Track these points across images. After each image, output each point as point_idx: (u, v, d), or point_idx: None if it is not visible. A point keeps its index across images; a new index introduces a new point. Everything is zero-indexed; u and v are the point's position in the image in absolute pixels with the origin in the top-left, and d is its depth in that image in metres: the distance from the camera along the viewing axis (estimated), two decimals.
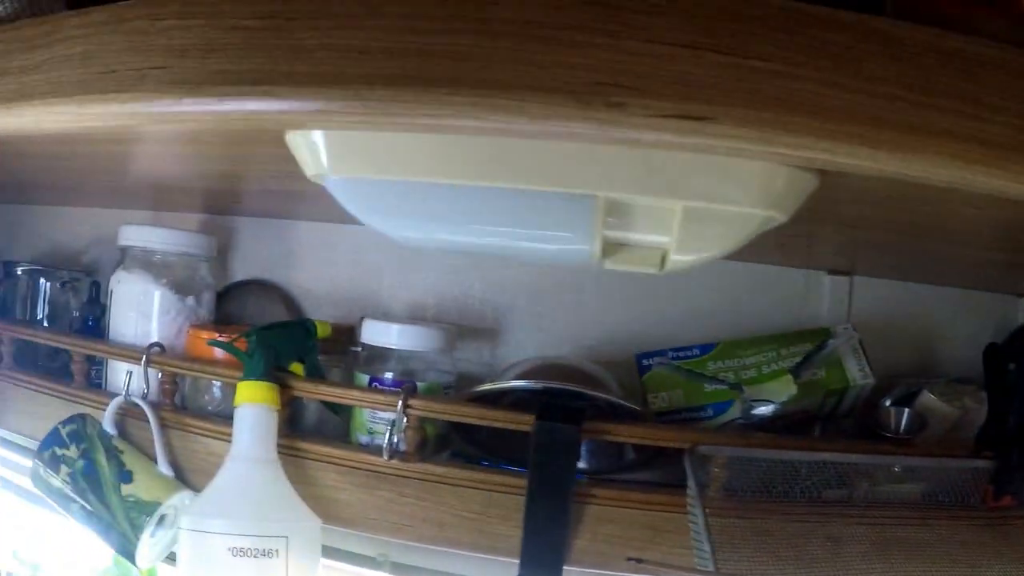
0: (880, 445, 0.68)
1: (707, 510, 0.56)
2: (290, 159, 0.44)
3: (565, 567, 0.61)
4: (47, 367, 0.82)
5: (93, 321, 0.80)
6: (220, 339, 0.64)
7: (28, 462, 0.95)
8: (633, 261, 0.43)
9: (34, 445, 0.92)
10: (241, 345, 0.63)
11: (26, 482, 0.98)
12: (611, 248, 0.42)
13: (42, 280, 0.81)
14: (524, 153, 0.38)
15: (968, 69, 0.36)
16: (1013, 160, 0.36)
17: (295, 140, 0.41)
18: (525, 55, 0.34)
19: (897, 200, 0.48)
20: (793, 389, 0.68)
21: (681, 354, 0.70)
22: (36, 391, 0.79)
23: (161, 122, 0.42)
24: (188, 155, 0.59)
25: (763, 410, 0.69)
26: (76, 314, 0.81)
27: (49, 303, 0.81)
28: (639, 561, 0.56)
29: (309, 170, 0.41)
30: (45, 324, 0.82)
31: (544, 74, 0.34)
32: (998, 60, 0.36)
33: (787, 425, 0.71)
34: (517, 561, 0.61)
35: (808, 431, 0.73)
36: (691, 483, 0.57)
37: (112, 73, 0.42)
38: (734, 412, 0.69)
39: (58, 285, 0.82)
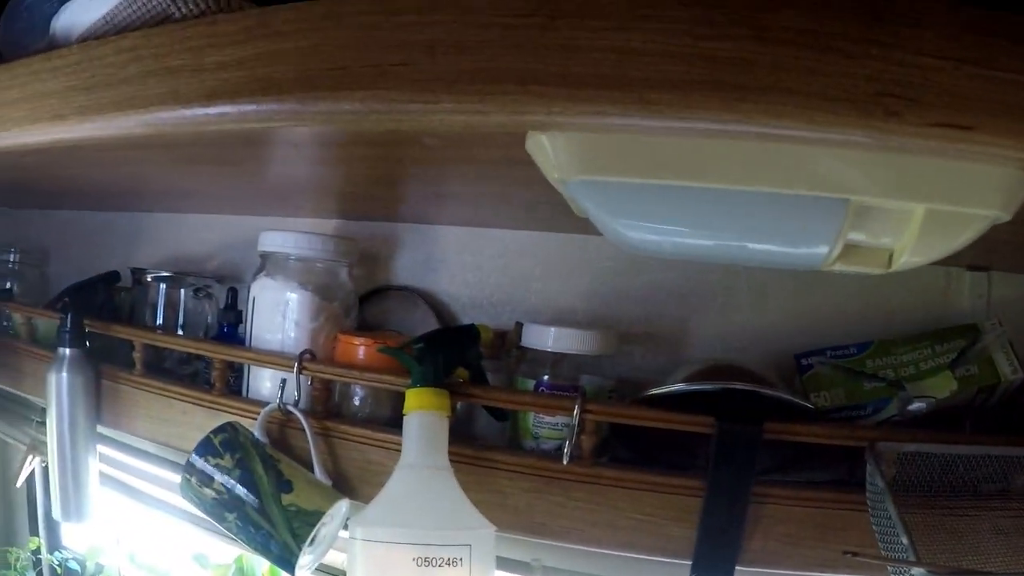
0: None
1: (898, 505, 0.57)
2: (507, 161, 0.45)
3: (737, 567, 0.63)
4: (178, 374, 0.84)
5: (229, 328, 0.82)
6: (390, 346, 0.66)
7: (151, 466, 0.99)
8: (863, 262, 0.44)
9: (158, 450, 0.95)
10: (409, 352, 0.64)
11: (146, 486, 1.01)
12: (845, 250, 0.44)
13: (172, 287, 0.83)
14: (781, 157, 0.39)
15: None
16: None
17: (537, 142, 0.42)
18: (807, 63, 0.36)
19: None
20: (954, 385, 0.69)
21: (839, 353, 0.71)
22: (172, 398, 0.81)
23: (402, 124, 0.43)
24: (359, 158, 0.60)
25: (919, 406, 0.71)
26: (211, 320, 0.83)
27: (185, 310, 0.83)
28: (855, 555, 0.58)
29: (552, 173, 0.43)
30: (179, 331, 0.84)
31: (829, 82, 0.35)
32: None
33: (940, 421, 0.72)
34: (685, 562, 0.63)
35: (959, 426, 0.74)
36: (876, 480, 0.58)
37: (341, 70, 0.43)
38: (892, 410, 0.70)
39: (191, 292, 0.84)
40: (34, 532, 1.22)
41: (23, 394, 0.98)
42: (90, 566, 1.13)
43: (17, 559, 1.13)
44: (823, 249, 0.42)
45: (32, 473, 1.10)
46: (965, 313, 0.78)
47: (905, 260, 0.43)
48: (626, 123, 0.37)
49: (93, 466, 0.86)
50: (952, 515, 0.63)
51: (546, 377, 0.67)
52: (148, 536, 1.10)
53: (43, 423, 0.91)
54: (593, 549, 0.65)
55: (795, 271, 0.72)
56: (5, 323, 0.99)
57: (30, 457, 1.04)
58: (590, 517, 0.63)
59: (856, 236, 0.43)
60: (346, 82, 0.42)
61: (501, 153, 0.46)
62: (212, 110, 0.46)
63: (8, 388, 0.98)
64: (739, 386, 0.60)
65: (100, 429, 0.85)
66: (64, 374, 0.84)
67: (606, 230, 0.44)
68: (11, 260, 1.17)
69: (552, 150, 0.42)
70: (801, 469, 0.70)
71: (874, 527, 0.58)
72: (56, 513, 0.88)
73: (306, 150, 0.58)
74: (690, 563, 0.62)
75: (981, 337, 0.73)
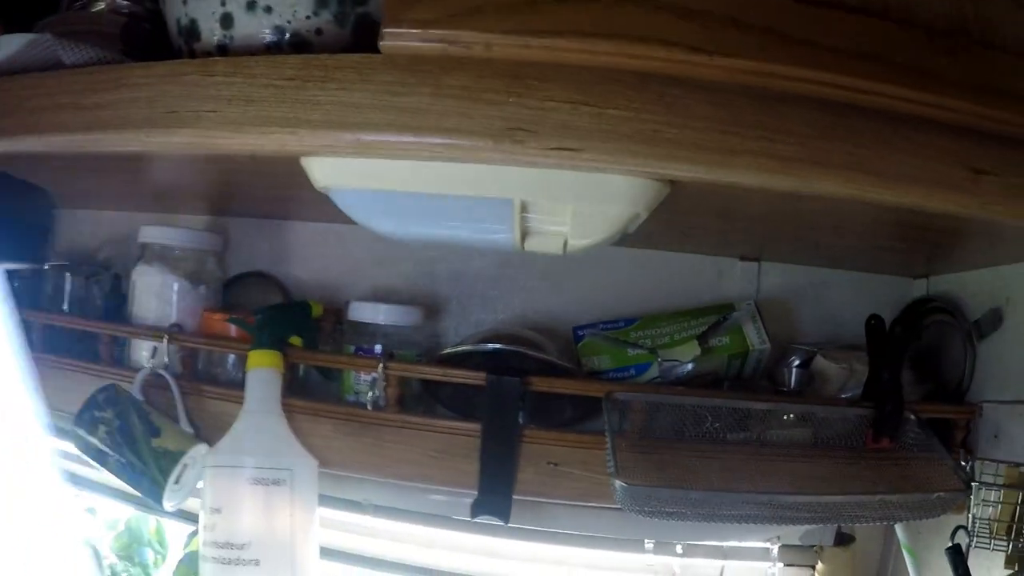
0: (773, 397, 0.90)
1: (620, 443, 0.77)
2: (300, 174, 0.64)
3: (515, 496, 0.82)
4: (75, 350, 1.02)
5: (114, 309, 1.00)
6: (235, 317, 0.85)
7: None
8: (543, 245, 0.64)
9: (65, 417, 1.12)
10: (251, 322, 0.83)
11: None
12: (527, 236, 0.64)
13: (68, 275, 1.01)
14: (464, 171, 0.59)
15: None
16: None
17: (307, 163, 0.62)
18: (464, 110, 0.56)
19: (757, 202, 0.69)
20: (697, 351, 0.90)
21: (609, 326, 0.92)
22: (68, 370, 0.99)
23: (214, 150, 0.62)
24: (213, 169, 0.79)
25: (678, 371, 0.91)
26: (99, 303, 1.01)
27: (73, 295, 1.01)
28: (556, 465, 0.78)
29: (318, 184, 0.63)
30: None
31: (477, 122, 0.55)
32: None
33: (700, 385, 0.93)
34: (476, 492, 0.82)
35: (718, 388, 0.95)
36: (606, 421, 0.79)
37: (173, 113, 0.62)
38: (653, 372, 0.91)
39: (82, 279, 1.02)
40: None
41: None
42: None
43: None
44: (508, 235, 0.62)
45: None
46: (736, 297, 0.98)
47: (572, 244, 0.63)
48: (350, 152, 0.57)
49: None
50: (692, 456, 0.83)
51: (364, 345, 0.87)
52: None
53: None
54: (402, 483, 0.85)
55: (579, 260, 0.92)
56: None
57: None
58: (397, 455, 0.83)
59: (533, 225, 0.62)
60: (176, 122, 0.62)
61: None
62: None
63: None
64: (505, 347, 0.79)
65: None
66: None
67: (361, 223, 0.64)
68: None
69: (314, 169, 0.61)
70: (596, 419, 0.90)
71: (607, 458, 0.77)
72: None
73: (172, 165, 0.77)
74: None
75: (732, 314, 0.93)
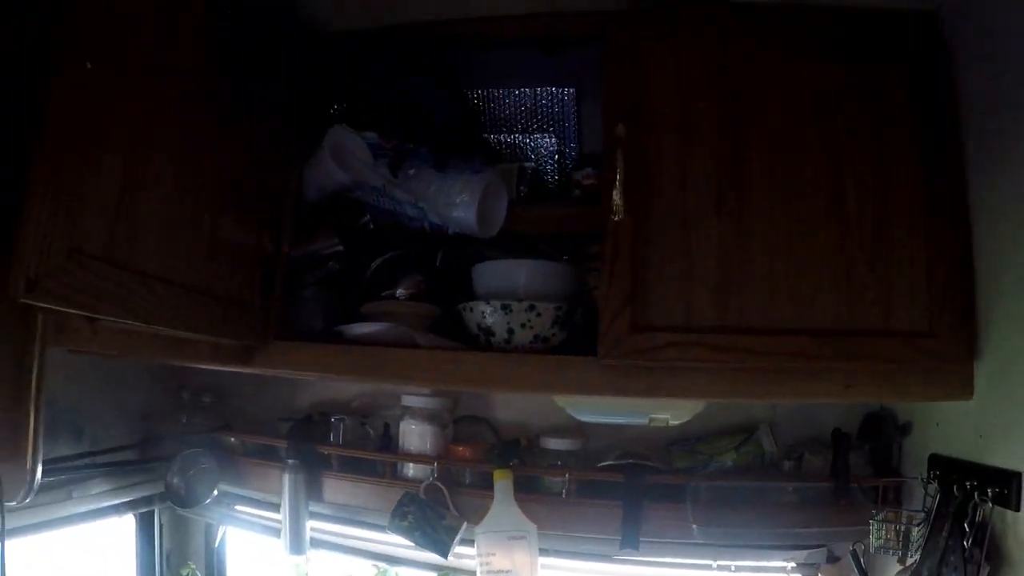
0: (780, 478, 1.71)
1: (696, 504, 1.58)
2: None
3: (641, 538, 1.62)
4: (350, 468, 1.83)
5: (383, 444, 1.82)
6: (489, 453, 1.66)
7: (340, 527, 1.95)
8: (658, 423, 1.47)
9: (347, 514, 1.92)
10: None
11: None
12: (651, 420, 1.46)
13: (340, 421, 1.85)
14: (626, 401, 1.41)
15: None
16: None
17: (556, 398, 1.44)
18: None
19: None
20: (734, 455, 1.70)
21: (684, 446, 1.73)
22: (358, 483, 1.79)
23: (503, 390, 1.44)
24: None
25: (725, 466, 1.71)
26: (372, 437, 1.84)
27: (348, 434, 1.85)
28: (663, 519, 1.59)
29: (559, 403, 1.45)
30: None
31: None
32: None
33: (739, 470, 1.73)
34: (620, 537, 1.63)
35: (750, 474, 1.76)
36: (688, 497, 1.59)
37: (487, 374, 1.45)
38: (711, 468, 1.71)
39: (358, 423, 1.84)
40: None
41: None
42: None
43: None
44: (644, 420, 1.44)
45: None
46: (759, 418, 1.79)
47: (671, 422, 1.46)
48: (575, 400, 1.39)
49: (307, 523, 1.83)
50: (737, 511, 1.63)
51: (551, 461, 1.68)
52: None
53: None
54: (578, 535, 1.65)
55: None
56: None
57: None
58: (576, 520, 1.64)
59: (654, 416, 1.45)
60: (485, 380, 1.44)
61: None
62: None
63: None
64: (634, 461, 1.60)
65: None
66: (289, 474, 1.80)
67: (572, 414, 1.47)
68: (185, 398, 2.11)
69: (558, 400, 1.43)
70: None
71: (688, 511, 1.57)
72: (285, 548, 1.83)
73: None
74: None
75: (755, 433, 1.74)
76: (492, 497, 1.64)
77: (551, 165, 1.76)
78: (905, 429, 1.70)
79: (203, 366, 1.61)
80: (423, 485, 1.70)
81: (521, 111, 1.67)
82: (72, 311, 1.03)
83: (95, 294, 1.04)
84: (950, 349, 1.31)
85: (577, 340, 1.44)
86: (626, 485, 1.60)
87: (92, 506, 1.82)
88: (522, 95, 1.64)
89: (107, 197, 1.06)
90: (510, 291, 1.46)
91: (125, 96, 1.09)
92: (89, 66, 0.97)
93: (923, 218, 1.34)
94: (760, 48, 1.41)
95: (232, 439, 2.01)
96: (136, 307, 1.13)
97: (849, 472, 1.66)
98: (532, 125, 1.70)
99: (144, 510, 2.01)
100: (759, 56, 1.41)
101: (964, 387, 1.33)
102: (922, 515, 1.41)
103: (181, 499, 1.94)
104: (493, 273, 1.50)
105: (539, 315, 1.41)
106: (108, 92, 1.05)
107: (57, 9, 0.96)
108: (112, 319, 1.11)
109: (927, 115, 1.36)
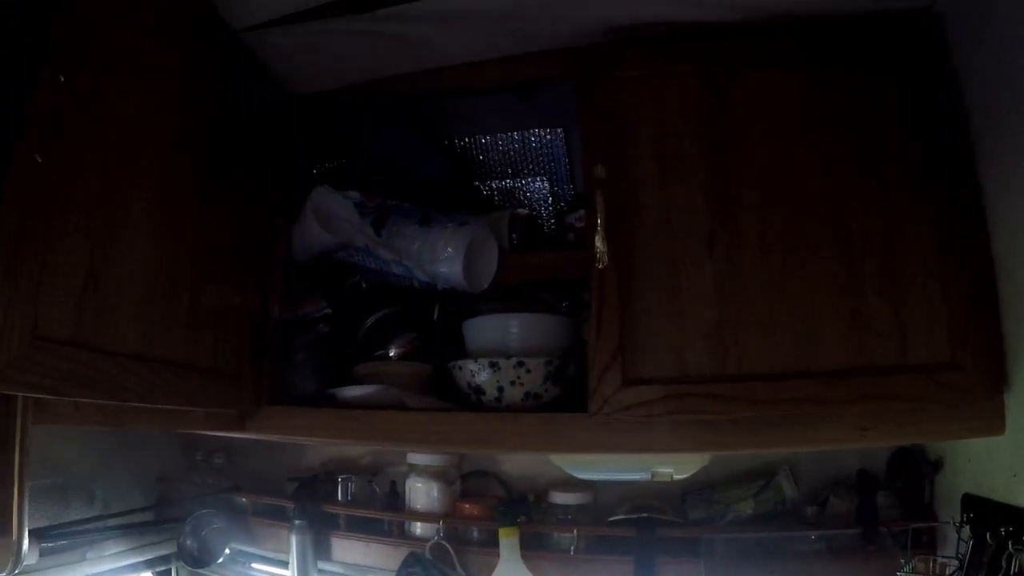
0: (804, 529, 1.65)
1: (712, 558, 1.54)
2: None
3: None
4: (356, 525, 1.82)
5: (390, 502, 1.80)
6: (497, 510, 1.64)
7: None
8: (661, 477, 1.43)
9: (356, 573, 1.91)
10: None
11: None
12: (654, 475, 1.43)
13: (347, 480, 1.84)
14: (629, 456, 1.38)
15: None
16: None
17: (552, 457, 1.42)
18: None
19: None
20: (752, 503, 1.65)
21: (699, 496, 1.69)
22: (366, 542, 1.78)
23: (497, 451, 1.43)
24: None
25: (743, 515, 1.67)
26: (379, 497, 1.82)
27: (356, 492, 1.83)
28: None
29: (554, 462, 1.42)
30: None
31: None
32: None
33: (757, 518, 1.68)
34: None
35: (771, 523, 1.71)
36: (703, 552, 1.55)
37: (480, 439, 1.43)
38: (728, 516, 1.67)
39: (365, 482, 1.83)
40: None
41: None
42: None
43: None
44: (647, 475, 1.41)
45: None
46: (780, 460, 1.74)
47: (675, 476, 1.43)
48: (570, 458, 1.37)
49: None
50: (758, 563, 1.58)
51: (560, 516, 1.65)
52: None
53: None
54: None
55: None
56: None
57: None
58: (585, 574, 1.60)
59: (656, 471, 1.41)
60: (478, 441, 1.42)
61: None
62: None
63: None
64: (647, 515, 1.56)
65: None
66: (296, 535, 1.81)
67: (571, 473, 1.44)
68: (198, 459, 2.14)
69: (554, 459, 1.41)
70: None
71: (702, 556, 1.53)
72: None
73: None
74: None
75: (775, 477, 1.70)
76: (499, 555, 1.63)
77: (546, 208, 1.75)
78: (937, 465, 1.64)
79: (199, 432, 1.63)
80: (429, 544, 1.69)
81: (510, 156, 1.65)
82: (40, 396, 1.04)
83: (62, 378, 1.04)
84: (976, 381, 1.21)
85: (574, 394, 1.40)
86: (637, 540, 1.57)
87: (107, 566, 1.85)
88: (509, 139, 1.63)
89: (72, 281, 1.07)
90: (500, 347, 1.44)
91: (92, 175, 1.10)
92: (39, 159, 0.98)
93: (935, 235, 1.25)
94: (744, 70, 1.37)
95: (243, 499, 2.03)
96: (108, 387, 1.13)
97: (878, 515, 1.60)
98: (523, 169, 1.68)
99: (160, 569, 2.04)
100: (743, 79, 1.36)
101: (995, 422, 1.23)
102: (955, 563, 1.35)
103: (194, 559, 1.95)
104: (481, 329, 1.49)
105: (528, 371, 1.38)
106: (70, 178, 1.06)
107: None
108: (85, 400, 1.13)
109: (930, 121, 1.29)
